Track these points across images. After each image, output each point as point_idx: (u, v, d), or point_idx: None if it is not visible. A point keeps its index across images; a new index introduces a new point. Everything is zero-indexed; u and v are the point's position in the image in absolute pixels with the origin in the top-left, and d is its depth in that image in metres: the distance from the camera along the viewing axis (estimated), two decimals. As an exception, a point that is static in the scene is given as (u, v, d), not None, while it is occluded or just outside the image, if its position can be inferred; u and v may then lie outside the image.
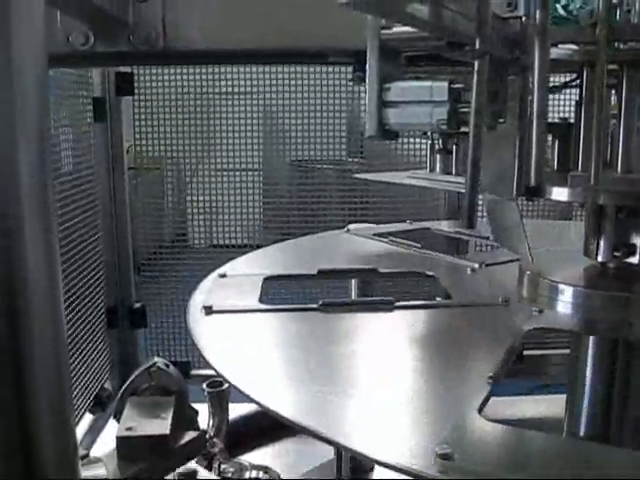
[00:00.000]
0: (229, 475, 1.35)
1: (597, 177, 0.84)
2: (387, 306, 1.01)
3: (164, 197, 3.10)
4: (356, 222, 1.69)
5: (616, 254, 1.00)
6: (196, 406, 0.97)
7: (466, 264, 1.24)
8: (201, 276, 1.22)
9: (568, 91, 1.50)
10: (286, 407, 0.71)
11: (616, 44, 0.83)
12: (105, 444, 1.47)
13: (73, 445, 0.61)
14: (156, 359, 0.86)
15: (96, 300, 1.82)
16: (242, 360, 0.86)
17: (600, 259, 1.02)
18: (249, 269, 1.23)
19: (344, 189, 2.42)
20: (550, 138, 0.98)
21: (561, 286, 1.01)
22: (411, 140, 2.13)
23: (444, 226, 1.63)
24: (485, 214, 1.05)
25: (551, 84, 0.95)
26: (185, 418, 0.84)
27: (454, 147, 1.38)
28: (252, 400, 0.75)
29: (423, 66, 1.05)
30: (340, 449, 1.15)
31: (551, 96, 1.02)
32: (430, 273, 1.17)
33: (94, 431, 1.63)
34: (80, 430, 1.68)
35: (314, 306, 1.00)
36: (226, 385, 1.32)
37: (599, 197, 0.93)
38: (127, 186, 1.86)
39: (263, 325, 0.97)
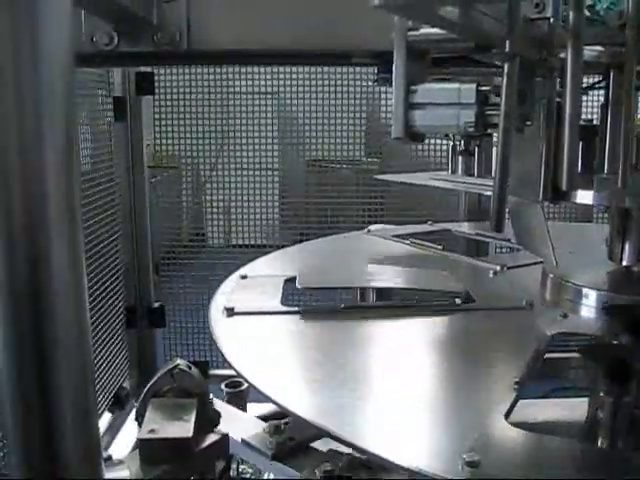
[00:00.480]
0: (247, 475, 1.35)
1: (625, 180, 0.83)
2: (409, 309, 1.00)
3: (182, 196, 3.11)
4: (374, 223, 1.69)
5: (641, 259, 0.99)
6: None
7: (488, 266, 1.23)
8: (219, 276, 1.22)
9: (591, 93, 1.49)
10: (309, 410, 0.71)
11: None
12: (124, 443, 1.48)
13: (96, 445, 0.61)
14: (178, 361, 0.85)
15: (115, 300, 1.83)
16: (263, 362, 0.85)
17: (625, 263, 1.01)
18: (270, 270, 1.22)
19: (362, 189, 2.41)
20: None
21: (585, 290, 1.00)
22: (430, 141, 2.12)
23: (464, 228, 1.62)
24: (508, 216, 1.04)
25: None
26: (207, 420, 0.83)
27: (476, 149, 1.37)
28: (272, 401, 0.74)
29: (448, 67, 1.04)
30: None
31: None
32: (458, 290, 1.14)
33: (113, 430, 1.63)
34: (100, 428, 1.68)
35: (336, 308, 1.00)
36: (245, 385, 1.32)
37: (625, 200, 0.91)
38: (147, 185, 1.87)
39: (285, 327, 0.97)
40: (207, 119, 2.37)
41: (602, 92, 0.96)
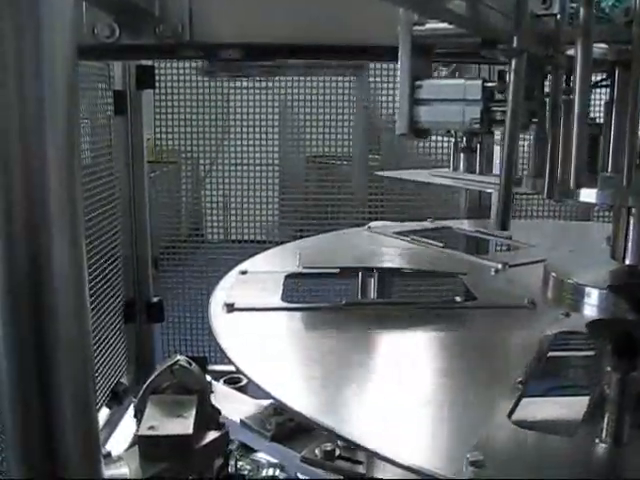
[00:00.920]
0: (245, 472, 1.34)
1: (629, 179, 0.83)
2: (411, 306, 0.99)
3: (180, 191, 3.11)
4: (374, 219, 1.68)
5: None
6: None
7: (489, 264, 1.22)
8: (217, 271, 1.21)
9: (594, 91, 1.48)
10: (308, 407, 0.71)
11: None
12: (122, 439, 1.48)
13: (96, 443, 0.60)
14: (178, 357, 0.85)
15: (114, 294, 1.82)
16: (263, 358, 0.85)
17: (628, 261, 1.01)
18: (270, 266, 1.22)
19: (362, 186, 2.40)
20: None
21: (587, 289, 0.99)
22: (430, 138, 2.11)
23: (465, 225, 1.61)
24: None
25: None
26: (207, 417, 0.83)
27: (478, 146, 1.36)
28: (272, 397, 0.74)
29: (450, 62, 1.04)
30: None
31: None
32: (462, 271, 1.14)
33: (110, 425, 1.62)
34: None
35: (337, 305, 0.99)
36: (244, 381, 1.31)
37: (628, 199, 0.91)
38: (146, 180, 1.85)
39: (285, 324, 0.96)
40: (207, 114, 2.36)
41: (604, 90, 0.96)
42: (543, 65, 0.73)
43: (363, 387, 0.77)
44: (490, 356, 0.86)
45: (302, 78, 2.05)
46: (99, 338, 1.72)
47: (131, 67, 1.75)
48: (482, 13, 0.62)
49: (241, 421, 0.96)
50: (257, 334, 0.93)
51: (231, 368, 0.85)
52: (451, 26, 0.69)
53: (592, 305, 0.99)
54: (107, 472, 0.68)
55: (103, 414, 1.70)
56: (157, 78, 1.95)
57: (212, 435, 0.80)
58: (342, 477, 0.85)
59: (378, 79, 2.07)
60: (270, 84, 2.15)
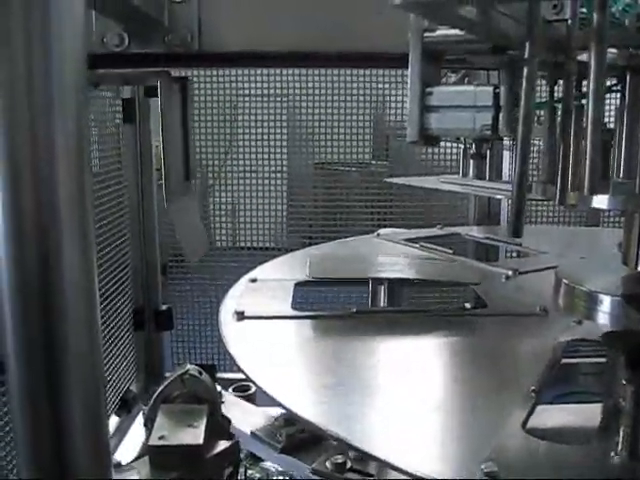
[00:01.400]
0: (255, 480, 1.34)
1: (640, 185, 0.82)
2: (421, 314, 0.99)
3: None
4: (382, 226, 1.68)
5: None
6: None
7: (500, 271, 1.21)
8: (226, 278, 1.21)
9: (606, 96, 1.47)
10: (319, 416, 0.70)
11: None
12: (131, 447, 1.47)
13: (106, 448, 0.60)
14: (188, 366, 0.84)
15: (123, 302, 1.82)
16: (273, 366, 0.84)
17: (640, 268, 1.00)
18: (279, 274, 1.21)
19: (369, 192, 2.40)
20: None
21: (600, 296, 0.99)
22: (440, 144, 2.11)
23: (474, 232, 1.61)
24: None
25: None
26: (218, 427, 0.83)
27: (487, 152, 1.36)
28: (281, 405, 0.74)
29: (459, 69, 1.03)
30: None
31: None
32: (473, 280, 1.13)
33: (120, 433, 1.62)
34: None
35: (348, 313, 0.99)
36: (253, 389, 1.31)
37: (640, 205, 0.90)
38: (155, 187, 1.85)
39: (295, 332, 0.96)
40: (215, 121, 2.37)
41: (615, 95, 0.95)
42: (552, 72, 0.73)
43: (374, 395, 0.77)
44: (502, 364, 0.85)
45: (309, 84, 2.05)
46: (109, 345, 1.72)
47: (140, 75, 1.75)
48: (493, 19, 0.62)
49: (251, 433, 0.96)
50: (267, 342, 0.92)
51: (240, 376, 0.84)
52: (462, 32, 0.69)
53: (604, 312, 0.98)
54: (116, 476, 0.68)
55: (112, 422, 1.69)
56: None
57: (222, 445, 0.80)
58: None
59: (387, 85, 2.07)
60: (278, 91, 2.15)
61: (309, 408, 0.72)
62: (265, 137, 2.44)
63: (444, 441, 0.67)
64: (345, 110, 2.29)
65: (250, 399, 1.34)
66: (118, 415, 1.72)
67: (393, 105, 2.12)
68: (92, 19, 0.89)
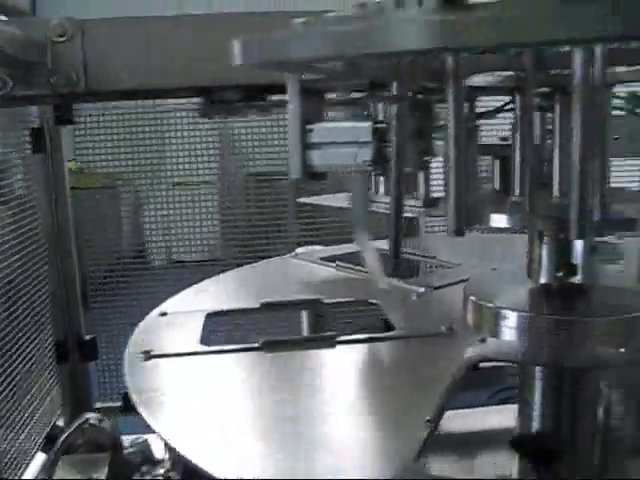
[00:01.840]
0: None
1: (533, 204, 0.84)
2: (329, 342, 0.99)
3: (121, 217, 3.07)
4: (310, 237, 1.67)
5: (558, 274, 1.00)
6: (153, 437, 0.94)
7: (412, 288, 1.22)
8: (160, 296, 1.21)
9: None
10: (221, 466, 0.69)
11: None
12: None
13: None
14: (87, 415, 0.83)
15: (44, 334, 1.78)
16: (178, 415, 0.83)
17: (542, 280, 1.01)
18: (192, 304, 1.19)
19: (299, 204, 2.41)
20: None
21: (504, 312, 0.99)
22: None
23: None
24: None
25: (486, 109, 0.95)
26: (121, 472, 0.81)
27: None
28: (189, 460, 0.72)
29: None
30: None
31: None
32: (374, 301, 1.15)
33: (46, 472, 1.58)
34: (32, 470, 1.64)
35: (255, 346, 0.98)
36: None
37: (537, 224, 0.92)
38: (70, 214, 1.81)
39: (203, 370, 0.95)
40: (142, 138, 2.34)
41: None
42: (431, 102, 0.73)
43: (281, 439, 0.75)
44: (401, 392, 0.85)
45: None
46: (32, 381, 1.68)
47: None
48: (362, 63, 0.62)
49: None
50: (173, 385, 0.91)
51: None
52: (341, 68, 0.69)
53: (510, 328, 0.99)
54: None
55: (39, 460, 1.65)
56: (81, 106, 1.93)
57: (125, 494, 0.78)
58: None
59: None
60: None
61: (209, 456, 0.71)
62: (199, 147, 2.44)
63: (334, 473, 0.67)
64: (278, 122, 2.30)
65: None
66: (44, 452, 1.69)
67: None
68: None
